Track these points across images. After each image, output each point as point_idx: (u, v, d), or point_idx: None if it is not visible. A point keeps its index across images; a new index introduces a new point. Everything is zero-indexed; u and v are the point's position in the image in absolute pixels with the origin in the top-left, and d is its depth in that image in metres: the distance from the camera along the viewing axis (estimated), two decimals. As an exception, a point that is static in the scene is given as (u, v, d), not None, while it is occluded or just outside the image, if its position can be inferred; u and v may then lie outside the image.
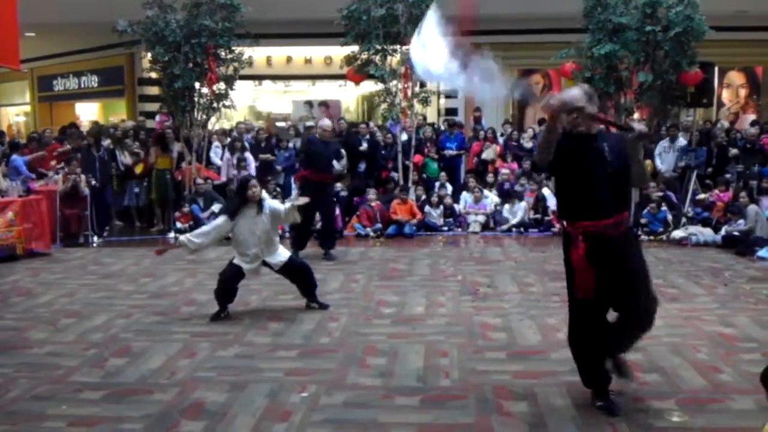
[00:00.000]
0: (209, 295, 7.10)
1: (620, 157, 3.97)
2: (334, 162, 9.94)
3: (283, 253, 6.52)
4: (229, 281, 6.36)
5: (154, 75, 12.61)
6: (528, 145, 13.11)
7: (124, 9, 11.39)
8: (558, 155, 3.90)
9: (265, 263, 6.44)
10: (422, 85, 12.41)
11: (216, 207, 11.25)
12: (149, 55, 11.99)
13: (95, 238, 11.01)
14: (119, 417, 4.20)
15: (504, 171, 12.44)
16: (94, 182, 11.14)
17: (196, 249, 6.40)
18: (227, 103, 12.04)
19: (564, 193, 4.16)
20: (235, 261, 6.38)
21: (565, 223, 4.24)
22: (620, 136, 4.07)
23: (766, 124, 13.92)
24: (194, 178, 11.77)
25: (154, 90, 15.49)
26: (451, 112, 15.84)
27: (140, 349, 5.47)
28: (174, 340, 5.70)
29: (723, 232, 10.14)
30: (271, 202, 6.59)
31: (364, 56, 11.56)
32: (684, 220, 10.87)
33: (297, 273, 6.60)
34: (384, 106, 11.87)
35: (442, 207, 11.86)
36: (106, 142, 12.36)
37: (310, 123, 13.75)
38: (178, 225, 11.44)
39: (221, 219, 6.43)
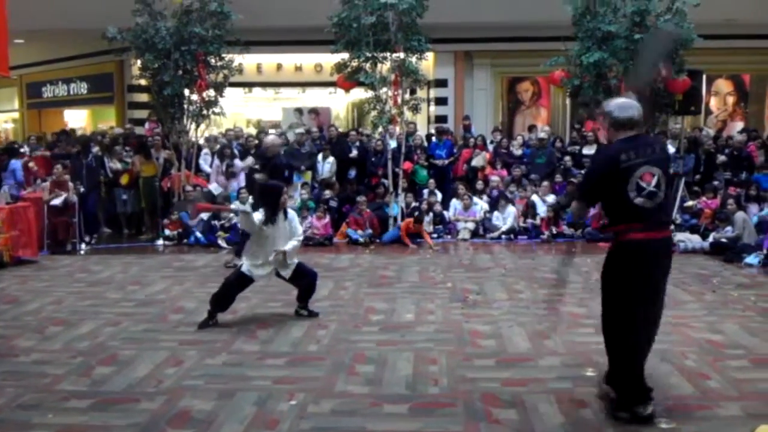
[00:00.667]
0: (197, 303, 7.11)
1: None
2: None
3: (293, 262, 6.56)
4: (234, 288, 6.35)
5: (143, 82, 12.59)
6: (517, 152, 13.16)
7: (114, 16, 11.37)
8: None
9: (278, 274, 6.52)
10: (412, 92, 12.44)
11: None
12: (139, 62, 11.97)
13: (83, 246, 10.95)
14: (106, 426, 4.17)
15: (494, 178, 12.46)
16: (82, 189, 11.08)
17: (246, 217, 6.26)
18: (217, 110, 12.02)
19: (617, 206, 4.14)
20: (244, 269, 6.36)
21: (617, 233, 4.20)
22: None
23: (754, 131, 14.05)
24: (183, 186, 11.74)
25: (143, 97, 15.46)
26: (441, 119, 15.88)
27: (127, 358, 5.44)
28: (161, 348, 5.66)
29: (711, 239, 10.19)
30: (293, 214, 6.65)
31: (355, 64, 11.57)
32: (672, 227, 10.90)
33: (303, 277, 6.63)
34: (374, 113, 11.88)
35: (431, 214, 11.88)
36: (95, 149, 12.32)
37: (300, 130, 13.74)
38: (167, 232, 11.41)
39: (257, 218, 6.27)
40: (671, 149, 11.87)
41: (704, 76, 12.27)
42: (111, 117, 18.14)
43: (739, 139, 12.12)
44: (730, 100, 16.97)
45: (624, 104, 4.14)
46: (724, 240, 9.93)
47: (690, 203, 11.22)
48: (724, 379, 4.84)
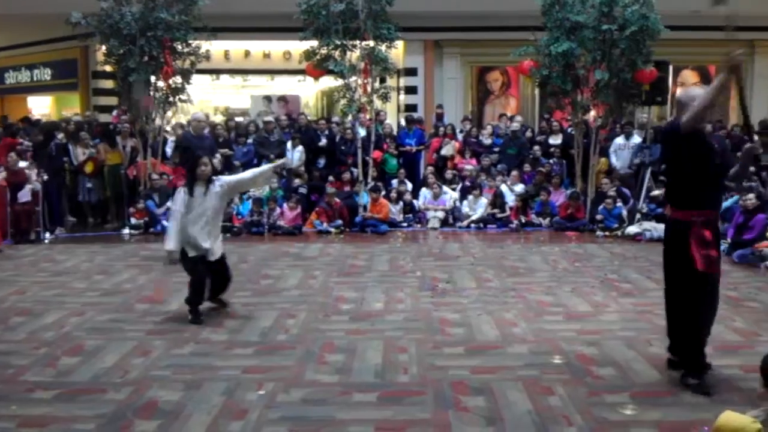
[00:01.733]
0: (164, 293, 7.03)
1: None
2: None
3: (220, 247, 6.32)
4: (202, 277, 6.17)
5: (108, 68, 12.37)
6: (487, 141, 13.21)
7: (78, 1, 11.13)
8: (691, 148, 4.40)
9: (203, 259, 6.16)
10: (382, 80, 12.40)
11: (171, 202, 11.07)
12: (103, 47, 11.75)
13: (47, 235, 10.76)
14: (71, 417, 4.11)
15: (468, 167, 12.50)
16: (45, 177, 10.87)
17: (178, 245, 6.08)
18: (184, 97, 11.85)
19: (686, 183, 4.52)
20: (189, 253, 6.13)
21: (678, 211, 4.60)
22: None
23: (719, 122, 14.26)
24: (149, 174, 11.58)
25: (109, 83, 15.19)
26: (411, 108, 15.85)
27: (93, 348, 5.37)
28: (128, 339, 5.60)
29: (676, 227, 10.32)
30: (225, 178, 6.42)
31: (324, 51, 11.49)
32: (638, 216, 11.05)
33: (223, 272, 6.35)
34: (343, 101, 11.83)
35: (401, 203, 11.88)
36: (60, 136, 12.08)
37: (269, 118, 13.61)
38: (133, 221, 11.25)
39: (180, 195, 6.14)
40: (638, 139, 12.01)
41: (671, 67, 12.40)
42: (75, 104, 17.80)
43: (705, 129, 12.29)
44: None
45: None
46: (688, 229, 10.07)
47: (656, 192, 11.34)
48: (688, 366, 4.91)
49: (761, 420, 2.78)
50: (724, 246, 9.24)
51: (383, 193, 11.76)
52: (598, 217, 11.07)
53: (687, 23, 13.64)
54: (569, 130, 12.35)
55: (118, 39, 11.20)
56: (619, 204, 11.13)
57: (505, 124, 13.57)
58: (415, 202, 12.01)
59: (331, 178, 12.02)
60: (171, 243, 6.04)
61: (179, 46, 11.56)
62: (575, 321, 6.10)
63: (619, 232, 10.78)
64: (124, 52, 11.28)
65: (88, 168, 12.03)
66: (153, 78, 11.51)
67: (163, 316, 6.27)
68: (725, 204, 10.47)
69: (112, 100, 14.63)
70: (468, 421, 4.06)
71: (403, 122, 14.06)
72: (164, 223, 10.91)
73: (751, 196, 9.35)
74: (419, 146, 13.18)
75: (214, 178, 6.23)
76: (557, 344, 5.39)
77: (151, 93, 11.46)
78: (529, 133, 13.44)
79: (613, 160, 12.15)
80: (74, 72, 17.11)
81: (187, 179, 6.28)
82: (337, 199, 11.46)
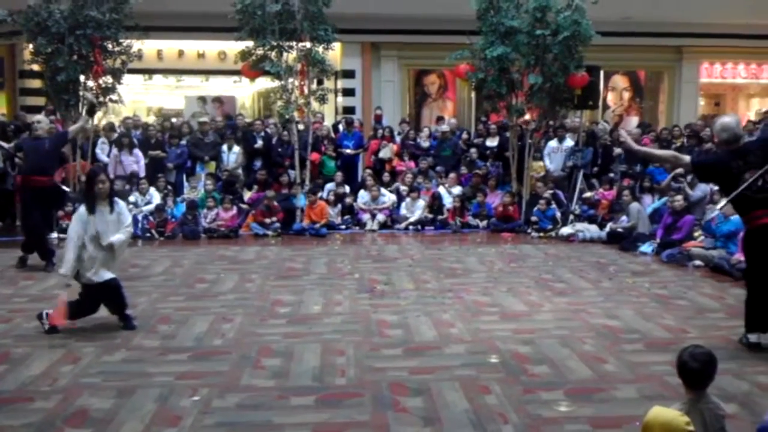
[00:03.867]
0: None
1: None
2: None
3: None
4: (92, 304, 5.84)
5: (36, 67, 11.96)
6: (425, 144, 13.29)
7: (4, -2, 10.76)
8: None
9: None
10: (319, 82, 12.33)
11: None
12: (31, 46, 11.37)
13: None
14: (-5, 428, 3.95)
15: (411, 171, 12.55)
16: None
17: (73, 271, 5.70)
18: (114, 97, 11.56)
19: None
20: (83, 279, 5.71)
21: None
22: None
23: (648, 125, 14.71)
24: (78, 176, 11.24)
25: (36, 83, 14.70)
26: (349, 110, 15.84)
27: (20, 356, 5.17)
28: (56, 346, 5.41)
29: (608, 228, 10.60)
30: (122, 204, 5.99)
31: (260, 52, 11.36)
32: (571, 217, 11.29)
33: (113, 294, 5.87)
34: (280, 103, 11.73)
35: (340, 205, 11.84)
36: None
37: (203, 119, 13.40)
38: (63, 225, 10.88)
39: (78, 215, 5.70)
40: (570, 142, 12.27)
41: (602, 72, 12.72)
42: (2, 104, 17.16)
43: (635, 132, 12.65)
44: (626, 95, 17.70)
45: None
46: (620, 229, 10.35)
47: (588, 194, 11.62)
48: (620, 363, 5.04)
49: (684, 411, 2.87)
50: (653, 246, 9.55)
51: (321, 195, 11.71)
52: (533, 218, 11.27)
53: (617, 29, 14.03)
54: (507, 134, 12.51)
55: (46, 37, 10.87)
56: (553, 206, 11.35)
57: (440, 127, 13.70)
58: (354, 204, 11.99)
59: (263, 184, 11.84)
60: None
61: (110, 45, 11.29)
62: (511, 320, 6.18)
63: (553, 233, 10.99)
64: (53, 50, 10.95)
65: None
66: (82, 77, 11.18)
67: (94, 322, 6.06)
68: (654, 205, 10.82)
69: (40, 101, 14.15)
70: (406, 421, 4.05)
71: (341, 126, 14.02)
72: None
73: (679, 197, 9.66)
74: (357, 149, 13.17)
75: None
76: (493, 344, 5.45)
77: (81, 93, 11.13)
78: (465, 135, 13.58)
79: (547, 162, 12.38)
80: (0, 71, 16.48)
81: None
82: (276, 203, 11.33)
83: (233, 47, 12.42)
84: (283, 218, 11.32)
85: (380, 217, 11.80)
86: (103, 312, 6.21)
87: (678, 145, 12.09)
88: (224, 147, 12.30)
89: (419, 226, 11.67)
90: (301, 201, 11.62)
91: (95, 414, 4.13)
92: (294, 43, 11.38)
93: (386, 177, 12.59)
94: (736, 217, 7.48)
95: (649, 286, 7.56)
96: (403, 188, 12.18)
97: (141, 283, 7.61)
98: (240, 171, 12.33)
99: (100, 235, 5.67)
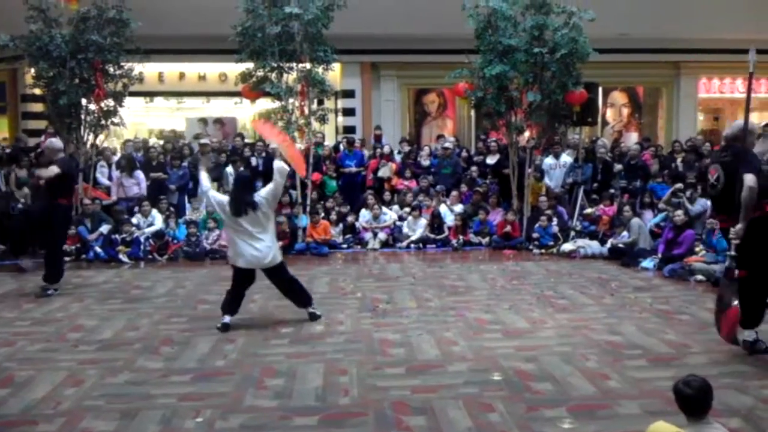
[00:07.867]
0: (97, 320, 6.89)
1: None
2: None
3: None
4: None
5: (38, 91, 12.04)
6: (425, 162, 13.32)
7: (6, 23, 10.88)
8: None
9: None
10: (319, 102, 12.39)
11: (104, 228, 10.82)
12: (32, 70, 11.47)
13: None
14: (-3, 453, 3.95)
15: (413, 189, 12.58)
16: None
17: None
18: (116, 120, 11.64)
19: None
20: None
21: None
22: None
23: (647, 141, 14.75)
24: (81, 199, 11.28)
25: (38, 107, 14.79)
26: (349, 130, 15.91)
27: (24, 379, 5.17)
28: (60, 369, 5.41)
29: (609, 244, 10.60)
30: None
31: (260, 73, 11.43)
32: (572, 233, 11.29)
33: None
34: (281, 123, 11.77)
35: (341, 225, 11.86)
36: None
37: (204, 141, 13.45)
38: (65, 247, 10.89)
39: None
40: (568, 159, 12.29)
41: (600, 89, 12.78)
42: (4, 127, 17.26)
43: (634, 148, 12.69)
44: (625, 111, 17.77)
45: None
46: (621, 245, 10.34)
47: (588, 210, 11.63)
48: (623, 379, 5.03)
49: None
50: (654, 261, 9.55)
51: (323, 215, 11.73)
52: (535, 235, 11.28)
53: (615, 46, 14.12)
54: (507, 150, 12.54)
55: (47, 61, 10.97)
56: (554, 222, 11.36)
57: (441, 145, 13.73)
58: (356, 223, 12.01)
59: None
60: None
61: (111, 68, 11.38)
62: (513, 338, 6.17)
63: (554, 250, 10.99)
64: (54, 74, 11.07)
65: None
66: (84, 101, 11.26)
67: (97, 344, 6.08)
68: (654, 220, 10.83)
69: (42, 124, 14.24)
70: (409, 441, 4.05)
71: (342, 146, 14.05)
72: (96, 249, 10.67)
73: (679, 212, 9.67)
74: (359, 168, 13.20)
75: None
76: (496, 361, 5.44)
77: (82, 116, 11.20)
78: (465, 153, 13.61)
79: (546, 179, 12.40)
80: (2, 95, 16.60)
81: None
82: (279, 223, 11.32)
83: (234, 69, 12.49)
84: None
85: (382, 235, 11.81)
86: (106, 333, 6.23)
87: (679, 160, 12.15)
88: (229, 169, 12.31)
89: (421, 245, 11.68)
90: (302, 221, 11.63)
91: (98, 437, 4.13)
92: (294, 64, 11.44)
93: (387, 196, 12.61)
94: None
95: (651, 302, 7.56)
96: (405, 210, 12.20)
97: (143, 305, 7.62)
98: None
99: None
